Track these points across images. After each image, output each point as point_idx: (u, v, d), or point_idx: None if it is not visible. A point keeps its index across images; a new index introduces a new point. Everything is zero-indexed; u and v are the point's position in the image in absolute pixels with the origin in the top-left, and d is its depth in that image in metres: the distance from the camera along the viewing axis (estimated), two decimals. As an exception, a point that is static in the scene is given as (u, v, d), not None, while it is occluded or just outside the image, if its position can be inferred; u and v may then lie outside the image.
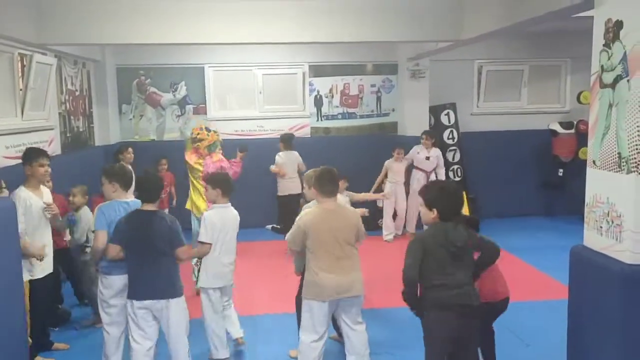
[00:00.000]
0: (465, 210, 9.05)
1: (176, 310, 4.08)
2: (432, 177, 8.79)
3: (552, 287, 6.49)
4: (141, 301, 4.04)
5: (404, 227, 9.19)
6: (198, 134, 6.61)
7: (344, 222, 4.11)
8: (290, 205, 7.93)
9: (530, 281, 6.84)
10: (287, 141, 8.61)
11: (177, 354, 4.17)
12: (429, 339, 3.64)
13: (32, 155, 4.77)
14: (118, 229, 4.06)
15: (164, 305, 4.05)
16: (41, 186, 4.81)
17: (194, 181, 6.54)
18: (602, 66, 3.70)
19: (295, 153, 8.56)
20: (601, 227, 3.72)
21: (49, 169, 4.84)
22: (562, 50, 9.98)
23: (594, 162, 3.82)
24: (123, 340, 4.38)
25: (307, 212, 4.18)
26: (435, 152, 8.96)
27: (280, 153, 8.54)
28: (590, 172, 3.88)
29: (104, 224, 4.14)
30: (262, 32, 6.75)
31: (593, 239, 3.83)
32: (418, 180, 8.78)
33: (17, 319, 3.89)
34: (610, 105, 3.62)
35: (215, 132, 6.70)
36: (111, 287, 4.25)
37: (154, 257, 4.01)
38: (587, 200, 3.89)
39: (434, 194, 3.70)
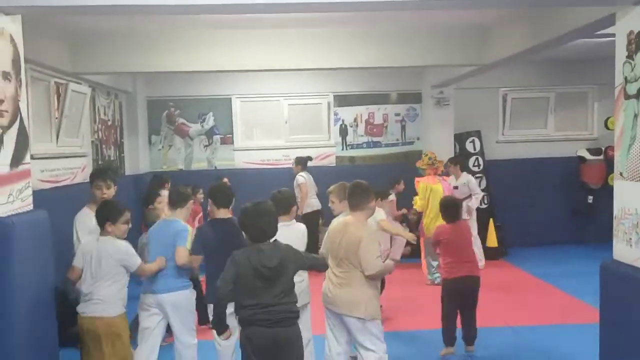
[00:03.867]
0: (492, 240, 8.95)
1: None
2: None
3: (585, 310, 6.32)
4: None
5: None
6: (434, 156, 8.09)
7: (348, 240, 4.03)
8: (315, 220, 8.46)
9: (562, 306, 6.70)
10: (304, 163, 8.83)
11: None
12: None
13: (91, 176, 4.97)
14: (202, 238, 4.28)
15: None
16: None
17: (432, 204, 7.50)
18: (625, 77, 3.71)
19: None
20: (630, 238, 3.66)
21: (107, 192, 4.71)
22: (589, 77, 9.93)
23: (620, 173, 3.79)
24: None
25: (334, 220, 4.47)
26: (463, 179, 8.32)
27: (302, 173, 8.70)
28: (617, 184, 3.84)
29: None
30: (287, 58, 6.93)
31: (623, 251, 3.77)
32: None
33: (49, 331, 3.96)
34: (636, 116, 3.61)
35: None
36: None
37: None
38: (615, 212, 3.85)
39: (240, 220, 3.56)
